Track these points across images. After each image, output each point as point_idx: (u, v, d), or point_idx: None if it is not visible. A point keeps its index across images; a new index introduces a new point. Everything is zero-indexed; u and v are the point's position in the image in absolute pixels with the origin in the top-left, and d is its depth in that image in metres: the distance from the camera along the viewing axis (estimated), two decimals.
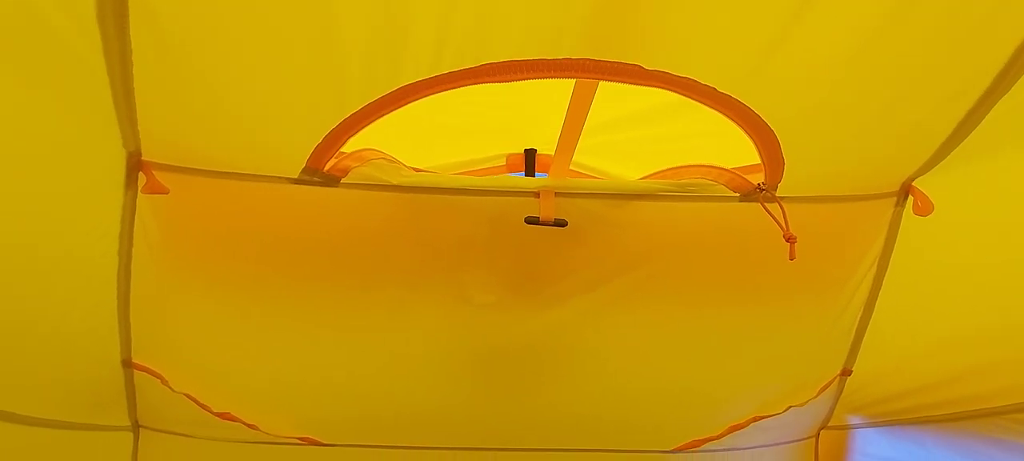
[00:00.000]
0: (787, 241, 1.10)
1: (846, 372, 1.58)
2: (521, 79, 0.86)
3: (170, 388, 1.38)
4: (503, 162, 1.45)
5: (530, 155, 1.41)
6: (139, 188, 1.08)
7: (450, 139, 1.44)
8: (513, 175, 1.42)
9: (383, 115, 0.93)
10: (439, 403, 1.49)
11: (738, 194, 1.18)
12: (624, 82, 0.88)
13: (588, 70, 0.85)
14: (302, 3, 0.77)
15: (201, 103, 0.94)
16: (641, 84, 0.89)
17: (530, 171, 1.41)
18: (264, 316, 1.30)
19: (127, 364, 1.35)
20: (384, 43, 0.83)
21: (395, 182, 1.10)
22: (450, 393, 1.47)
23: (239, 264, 1.22)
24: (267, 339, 1.34)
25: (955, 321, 1.38)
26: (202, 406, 1.42)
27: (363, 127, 0.96)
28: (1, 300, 1.04)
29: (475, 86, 0.91)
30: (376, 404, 1.49)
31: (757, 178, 1.16)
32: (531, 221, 1.15)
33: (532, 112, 1.35)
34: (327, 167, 1.06)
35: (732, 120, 0.98)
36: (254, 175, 1.08)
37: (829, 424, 1.76)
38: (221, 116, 0.97)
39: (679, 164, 1.26)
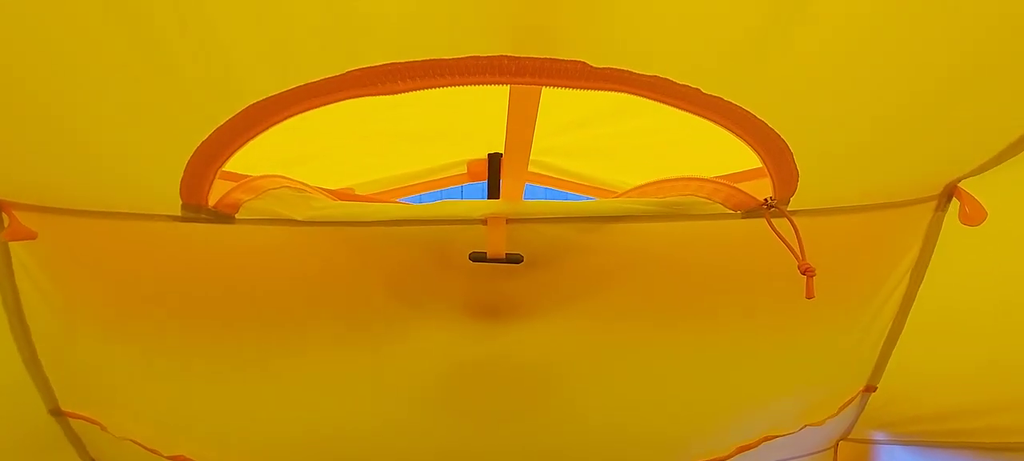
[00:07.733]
0: (803, 274, 0.79)
1: (870, 389, 1.30)
2: (401, 91, 0.56)
3: (110, 434, 1.16)
4: (464, 169, 1.15)
5: (494, 160, 1.11)
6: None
7: (410, 146, 1.17)
8: (458, 200, 1.12)
9: (247, 141, 0.65)
10: (395, 438, 1.23)
11: (738, 212, 0.87)
12: (563, 86, 0.57)
13: (508, 72, 0.55)
14: (112, 29, 0.51)
15: (39, 140, 0.68)
16: (589, 88, 0.58)
17: (494, 178, 1.11)
18: (185, 359, 1.04)
19: (56, 413, 1.13)
20: (216, 67, 0.55)
21: (297, 217, 0.81)
22: (407, 429, 1.21)
23: (144, 308, 0.96)
24: (197, 381, 1.09)
25: (998, 345, 1.08)
26: (150, 450, 1.19)
27: (230, 154, 0.68)
28: None
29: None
30: (331, 441, 1.24)
31: (759, 184, 0.85)
32: (477, 258, 0.86)
33: (497, 112, 1.06)
34: (213, 203, 0.78)
35: (724, 127, 0.67)
36: (131, 213, 0.82)
37: (850, 436, 1.48)
38: (69, 153, 0.71)
39: (664, 162, 0.98)
